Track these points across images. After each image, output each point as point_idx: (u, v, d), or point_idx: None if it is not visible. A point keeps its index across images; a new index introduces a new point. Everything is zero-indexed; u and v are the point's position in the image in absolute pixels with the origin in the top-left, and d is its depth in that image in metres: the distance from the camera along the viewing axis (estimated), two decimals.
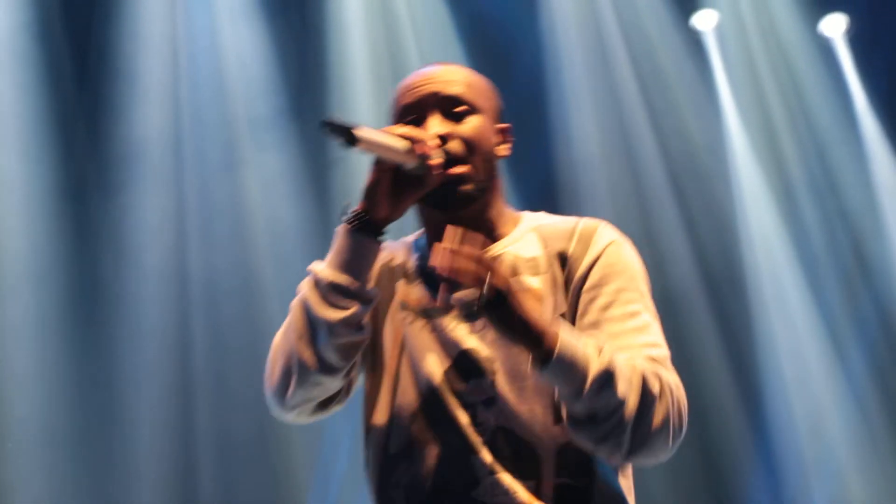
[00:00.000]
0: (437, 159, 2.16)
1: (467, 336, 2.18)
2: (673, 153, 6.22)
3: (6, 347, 5.25)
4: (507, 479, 2.10)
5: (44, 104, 5.58)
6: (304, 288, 2.16)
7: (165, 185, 5.66)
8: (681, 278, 6.05)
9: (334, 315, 2.11)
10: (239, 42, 5.89)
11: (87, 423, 5.31)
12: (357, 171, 5.71)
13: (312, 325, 2.12)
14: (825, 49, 6.44)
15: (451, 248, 2.00)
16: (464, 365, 2.16)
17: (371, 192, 2.15)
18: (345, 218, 2.16)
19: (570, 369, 1.99)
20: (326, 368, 2.12)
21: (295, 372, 2.13)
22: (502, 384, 2.14)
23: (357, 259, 2.14)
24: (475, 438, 2.13)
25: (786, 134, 6.33)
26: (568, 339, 2.01)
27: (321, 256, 2.21)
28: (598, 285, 2.17)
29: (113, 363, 5.41)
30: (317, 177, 5.72)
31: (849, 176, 6.27)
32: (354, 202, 2.18)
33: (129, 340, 5.44)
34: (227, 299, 5.55)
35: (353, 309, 2.12)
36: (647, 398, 2.02)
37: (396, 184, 2.15)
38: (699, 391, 5.78)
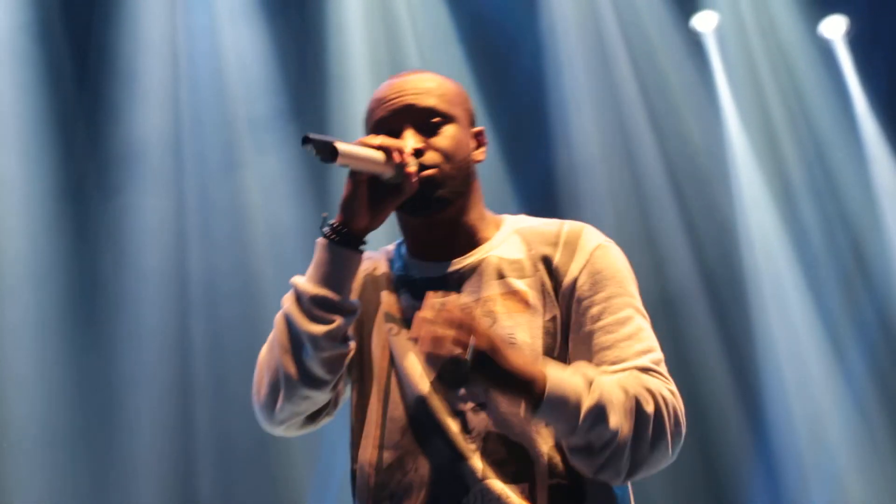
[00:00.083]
0: (413, 167, 2.17)
1: None
2: (673, 155, 6.22)
3: (6, 348, 5.25)
4: (497, 485, 2.10)
5: (43, 105, 5.58)
6: (287, 302, 2.16)
7: (165, 186, 5.65)
8: (680, 280, 6.05)
9: (318, 329, 2.11)
10: (239, 43, 5.89)
11: (87, 424, 5.31)
12: None
13: (297, 339, 2.13)
14: (825, 50, 6.43)
15: (429, 317, 2.01)
16: (455, 372, 2.11)
17: (349, 204, 2.15)
18: (324, 230, 2.17)
19: (561, 409, 2.01)
20: (313, 382, 2.13)
21: (282, 386, 2.14)
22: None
23: (338, 271, 2.15)
24: (466, 445, 2.13)
25: (785, 135, 6.33)
26: (557, 378, 2.02)
27: None
28: (589, 294, 2.18)
29: (112, 364, 5.41)
30: (317, 178, 5.71)
31: (849, 177, 6.27)
32: (332, 214, 2.19)
33: (129, 341, 5.43)
34: (227, 300, 5.55)
35: (337, 322, 2.12)
36: (641, 422, 2.04)
37: (374, 194, 2.16)
38: (699, 393, 5.79)
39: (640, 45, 6.29)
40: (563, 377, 2.03)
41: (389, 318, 2.24)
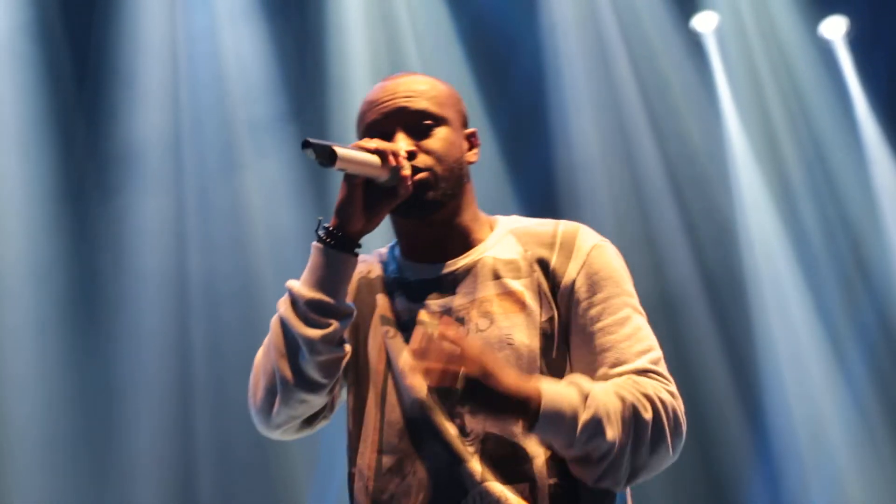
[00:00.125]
0: (407, 170, 2.18)
1: None
2: (672, 155, 6.22)
3: (5, 350, 5.25)
4: (496, 487, 2.11)
5: (43, 106, 5.58)
6: (282, 306, 2.17)
7: (165, 188, 5.65)
8: (680, 282, 6.05)
9: (314, 333, 2.12)
10: (238, 44, 5.88)
11: (87, 426, 5.31)
12: None
13: (293, 343, 2.13)
14: (825, 51, 6.43)
15: (417, 350, 2.03)
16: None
17: (344, 208, 2.16)
18: (319, 234, 2.17)
19: (558, 425, 2.02)
20: (310, 386, 2.14)
21: (279, 390, 2.14)
22: None
23: (333, 275, 2.15)
24: (464, 448, 2.13)
25: (785, 136, 6.33)
26: (551, 395, 2.03)
27: None
28: (587, 296, 2.19)
29: (112, 366, 5.41)
30: (316, 180, 5.71)
31: (849, 179, 6.27)
32: (327, 218, 2.20)
33: (129, 343, 5.43)
34: (227, 302, 5.55)
35: (333, 325, 2.13)
36: (639, 430, 2.06)
37: (369, 197, 2.17)
38: (699, 394, 5.79)
39: (640, 46, 6.28)
40: (557, 393, 2.04)
41: (385, 321, 2.24)
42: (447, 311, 2.20)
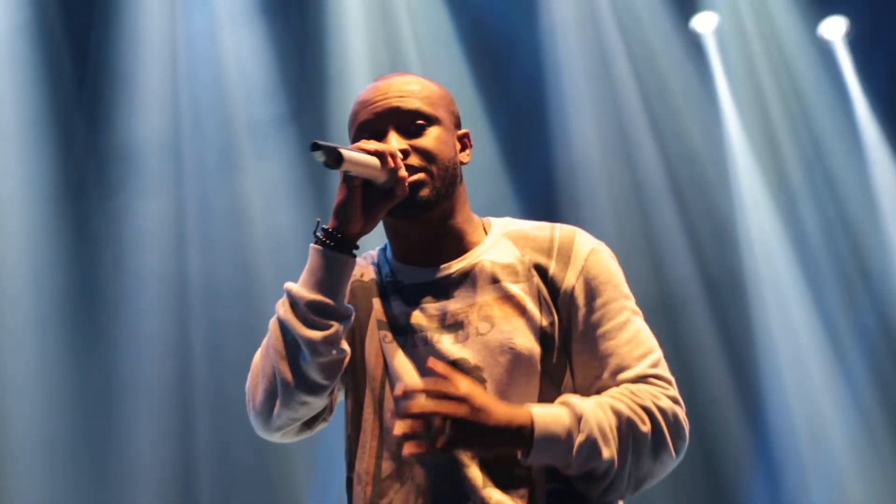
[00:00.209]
0: (405, 172, 2.19)
1: (453, 347, 2.18)
2: (672, 156, 6.22)
3: (5, 351, 5.25)
4: (496, 494, 2.12)
5: (43, 107, 5.58)
6: (281, 308, 2.16)
7: (165, 189, 5.65)
8: (680, 282, 6.05)
9: (315, 334, 2.12)
10: (238, 45, 5.88)
11: (86, 428, 5.31)
12: None
13: (293, 344, 2.13)
14: (825, 51, 6.43)
15: (401, 413, 2.03)
16: None
17: (343, 209, 2.17)
18: (318, 235, 2.18)
19: (553, 449, 2.04)
20: (311, 388, 2.14)
21: (279, 393, 2.14)
22: (492, 392, 2.14)
23: (333, 276, 2.16)
24: (463, 454, 2.13)
25: (785, 136, 6.32)
26: (544, 421, 2.04)
27: None
28: (586, 301, 2.21)
29: (112, 367, 5.41)
30: (316, 181, 5.71)
31: (849, 179, 6.26)
32: (324, 220, 2.20)
33: (128, 345, 5.43)
34: (226, 304, 5.55)
35: (334, 327, 2.13)
36: (638, 444, 2.09)
37: (366, 198, 2.18)
38: (699, 395, 5.78)
39: (640, 47, 6.28)
40: (550, 418, 2.05)
41: (382, 325, 2.24)
42: (444, 315, 2.21)
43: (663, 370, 2.18)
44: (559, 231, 2.29)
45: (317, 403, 2.17)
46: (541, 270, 2.23)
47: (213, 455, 5.38)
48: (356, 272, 2.30)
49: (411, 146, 2.23)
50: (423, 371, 2.14)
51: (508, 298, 2.20)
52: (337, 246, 2.16)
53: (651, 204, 6.13)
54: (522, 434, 2.03)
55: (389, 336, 2.22)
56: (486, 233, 2.32)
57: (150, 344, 5.44)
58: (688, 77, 6.35)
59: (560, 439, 2.04)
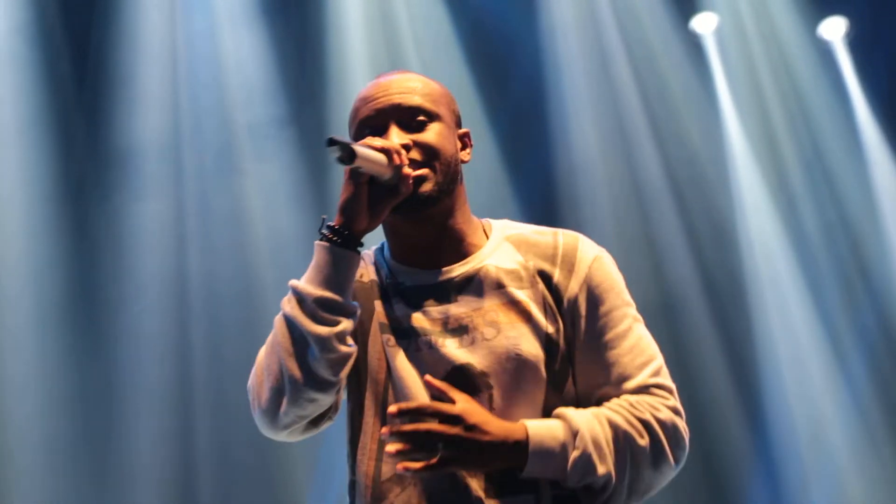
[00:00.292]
0: (409, 169, 2.18)
1: (458, 351, 2.18)
2: (672, 157, 6.22)
3: (5, 352, 5.25)
4: (499, 502, 2.12)
5: (43, 108, 5.58)
6: (287, 305, 2.15)
7: (164, 190, 5.65)
8: (680, 283, 6.04)
9: (325, 330, 2.11)
10: (238, 46, 5.88)
11: (86, 429, 5.31)
12: None
13: (301, 341, 2.12)
14: (825, 52, 6.42)
15: (394, 432, 2.05)
16: (459, 382, 2.15)
17: (350, 206, 2.16)
18: (323, 232, 2.17)
19: (547, 465, 2.07)
20: (319, 384, 2.12)
21: (287, 390, 2.12)
22: (498, 399, 2.15)
23: (340, 273, 2.15)
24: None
25: (785, 137, 6.32)
26: (538, 435, 2.08)
27: None
28: (590, 309, 2.22)
29: (112, 368, 5.41)
30: (316, 181, 5.71)
31: (849, 180, 6.26)
32: (330, 217, 2.19)
33: (128, 345, 5.43)
34: (227, 304, 5.55)
35: (343, 323, 2.12)
36: (636, 457, 2.11)
37: (371, 195, 2.17)
38: (699, 396, 5.79)
39: (640, 47, 6.28)
40: (545, 432, 2.09)
41: (384, 328, 2.23)
42: (447, 318, 2.20)
43: (664, 378, 2.20)
44: (562, 237, 2.29)
45: (325, 400, 2.15)
46: (545, 277, 2.23)
47: (213, 455, 5.38)
48: (356, 272, 2.29)
49: (413, 141, 2.23)
50: (430, 373, 2.15)
51: (514, 304, 2.20)
52: (344, 242, 2.15)
53: (651, 204, 6.13)
54: (517, 450, 2.06)
55: (392, 340, 2.22)
56: (487, 235, 2.31)
57: (151, 344, 5.44)
58: (688, 77, 6.35)
59: (555, 454, 2.07)
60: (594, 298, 2.22)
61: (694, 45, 6.40)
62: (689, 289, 6.04)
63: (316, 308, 2.12)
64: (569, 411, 2.12)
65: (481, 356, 2.17)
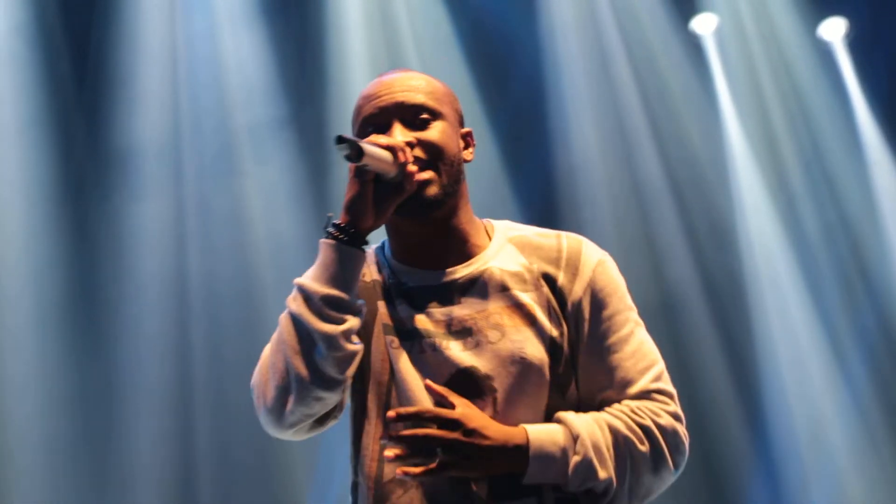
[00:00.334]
0: (413, 166, 2.18)
1: (462, 354, 2.17)
2: (672, 157, 6.22)
3: (5, 352, 5.25)
4: None
5: (43, 108, 5.58)
6: (293, 303, 2.14)
7: (164, 190, 5.65)
8: (680, 283, 6.05)
9: (332, 328, 2.10)
10: (238, 46, 5.88)
11: (86, 429, 5.31)
12: None
13: (307, 339, 2.11)
14: (825, 53, 6.43)
15: (393, 437, 2.06)
16: (462, 385, 2.15)
17: (355, 204, 2.15)
18: (329, 231, 2.16)
19: (547, 469, 2.08)
20: (326, 383, 2.11)
21: (293, 389, 2.11)
22: (501, 402, 2.15)
23: (346, 271, 2.14)
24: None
25: (785, 137, 6.32)
26: (538, 440, 2.09)
27: None
28: (593, 313, 2.22)
29: (112, 367, 5.41)
30: (315, 182, 5.71)
31: (849, 181, 6.26)
32: (336, 214, 2.19)
33: (128, 345, 5.43)
34: (227, 304, 5.55)
35: (350, 321, 2.12)
36: (636, 463, 2.12)
37: (377, 193, 2.16)
38: (699, 396, 5.79)
39: (639, 48, 6.28)
40: (545, 436, 2.09)
41: (388, 329, 2.22)
42: (450, 320, 2.20)
43: (665, 383, 2.21)
44: (566, 240, 2.28)
45: (331, 399, 2.14)
46: (549, 280, 2.23)
47: (213, 455, 5.38)
48: None
49: (417, 139, 2.22)
50: (431, 377, 2.15)
51: (518, 307, 2.19)
52: (350, 240, 2.14)
53: (651, 205, 6.13)
54: (518, 454, 2.07)
55: (396, 341, 2.20)
56: (489, 236, 2.31)
57: (151, 344, 5.44)
58: (687, 78, 6.35)
59: (555, 458, 2.08)
60: (598, 302, 2.22)
61: (694, 45, 6.40)
62: (689, 289, 6.04)
63: (322, 306, 2.10)
64: (569, 416, 2.13)
65: (486, 359, 2.16)
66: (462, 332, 2.18)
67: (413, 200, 2.19)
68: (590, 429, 2.10)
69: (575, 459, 2.07)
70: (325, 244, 2.16)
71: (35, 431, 5.21)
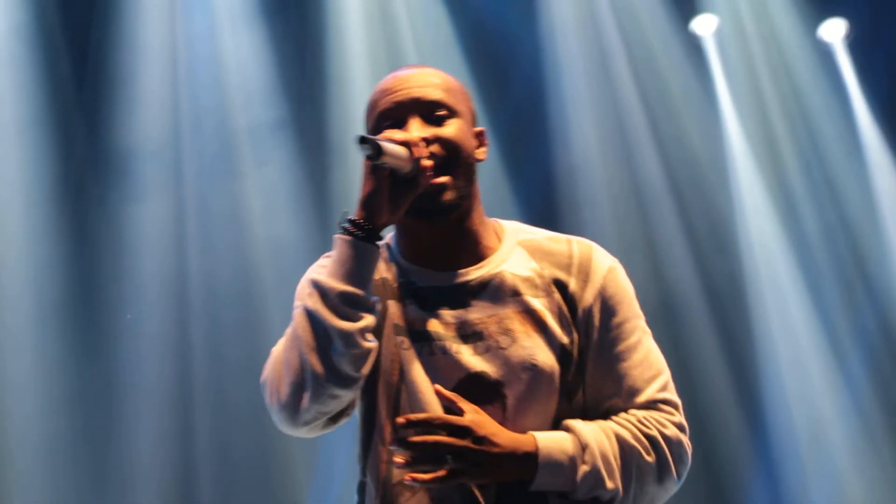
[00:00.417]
0: (428, 161, 2.16)
1: (472, 359, 2.16)
2: (672, 158, 6.22)
3: (5, 353, 5.25)
4: None
5: (43, 108, 5.58)
6: (309, 299, 2.11)
7: (164, 190, 5.65)
8: (680, 283, 6.05)
9: (350, 326, 2.08)
10: (238, 47, 5.88)
11: (86, 429, 5.31)
12: (353, 177, 5.71)
13: (324, 336, 2.08)
14: (825, 54, 6.43)
15: (403, 443, 2.06)
16: (472, 390, 2.14)
17: (372, 200, 2.13)
18: (344, 227, 2.14)
19: (555, 478, 2.09)
20: (343, 380, 2.09)
21: (309, 386, 2.09)
22: (511, 409, 2.14)
23: (362, 267, 2.11)
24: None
25: (785, 139, 6.32)
26: (547, 448, 2.09)
27: None
28: (603, 320, 2.21)
29: (112, 368, 5.41)
30: (315, 182, 5.71)
31: (848, 181, 6.26)
32: (351, 210, 2.17)
33: (128, 345, 5.43)
34: (226, 305, 5.55)
35: (367, 318, 2.10)
36: (642, 473, 2.13)
37: (392, 188, 2.14)
38: (699, 396, 5.79)
39: (640, 49, 6.28)
40: (554, 445, 2.09)
41: (399, 330, 2.20)
42: (461, 324, 2.18)
43: (671, 394, 2.21)
44: (577, 246, 2.27)
45: (346, 397, 2.12)
46: (560, 286, 2.21)
47: (213, 455, 5.37)
48: None
49: (433, 136, 2.20)
50: (440, 381, 2.14)
51: (530, 313, 2.18)
52: (366, 236, 2.12)
53: (651, 205, 6.14)
54: (526, 462, 2.07)
55: (407, 342, 2.19)
56: (499, 237, 2.29)
57: (150, 345, 5.44)
58: (687, 79, 6.35)
59: (564, 467, 2.08)
60: (608, 309, 2.21)
61: (694, 46, 6.40)
62: (689, 289, 6.04)
63: (339, 303, 2.08)
64: (577, 424, 2.13)
65: (496, 365, 2.15)
66: (472, 336, 2.17)
67: (428, 204, 2.18)
68: (598, 438, 2.11)
69: (583, 469, 2.08)
70: (340, 240, 2.13)
71: (35, 431, 5.20)
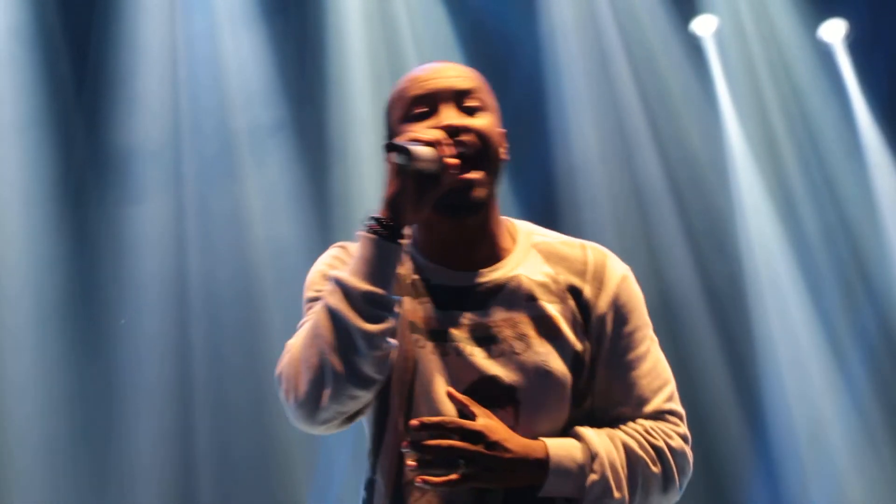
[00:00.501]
0: (454, 159, 2.13)
1: (486, 362, 2.15)
2: (672, 159, 6.22)
3: (5, 353, 5.25)
4: None
5: (43, 109, 5.58)
6: (331, 298, 2.08)
7: (164, 191, 5.65)
8: (680, 284, 6.05)
9: (373, 326, 2.05)
10: (238, 47, 5.88)
11: (87, 430, 5.31)
12: (353, 177, 5.71)
13: (346, 337, 2.05)
14: (825, 54, 6.43)
15: (415, 446, 2.06)
16: (484, 394, 2.13)
17: (397, 199, 2.10)
18: (368, 225, 2.12)
19: (565, 485, 2.10)
20: (363, 381, 2.06)
21: (329, 386, 2.06)
22: (522, 414, 2.14)
23: (386, 267, 2.09)
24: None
25: (785, 139, 6.32)
26: (557, 455, 2.10)
27: None
28: (614, 328, 2.21)
29: (112, 368, 5.41)
30: (315, 183, 5.71)
31: (848, 182, 6.26)
32: (374, 209, 2.15)
33: (128, 345, 5.43)
34: (226, 305, 5.55)
35: (390, 319, 2.07)
36: (647, 484, 2.14)
37: (417, 187, 2.12)
38: (699, 396, 5.79)
39: (640, 49, 6.28)
40: (563, 452, 2.10)
41: (415, 328, 2.18)
42: (475, 325, 2.17)
43: (677, 404, 2.23)
44: (591, 252, 2.26)
45: (365, 397, 2.10)
46: (575, 292, 2.21)
47: (213, 455, 5.37)
48: None
49: (467, 125, 2.18)
50: (453, 382, 2.13)
51: (544, 319, 2.17)
52: (390, 235, 2.10)
53: (651, 206, 6.14)
54: (537, 468, 2.08)
55: (422, 340, 2.17)
56: (513, 238, 2.27)
57: (150, 345, 5.44)
58: (687, 79, 6.35)
59: (573, 475, 2.09)
60: (620, 317, 2.21)
61: (694, 46, 6.40)
62: (689, 289, 6.04)
63: (363, 303, 2.06)
64: (587, 432, 2.13)
65: (510, 370, 2.14)
66: (486, 338, 2.16)
67: (457, 199, 2.16)
68: (607, 447, 2.12)
69: (592, 478, 2.09)
70: (365, 238, 2.11)
71: (35, 431, 5.21)
